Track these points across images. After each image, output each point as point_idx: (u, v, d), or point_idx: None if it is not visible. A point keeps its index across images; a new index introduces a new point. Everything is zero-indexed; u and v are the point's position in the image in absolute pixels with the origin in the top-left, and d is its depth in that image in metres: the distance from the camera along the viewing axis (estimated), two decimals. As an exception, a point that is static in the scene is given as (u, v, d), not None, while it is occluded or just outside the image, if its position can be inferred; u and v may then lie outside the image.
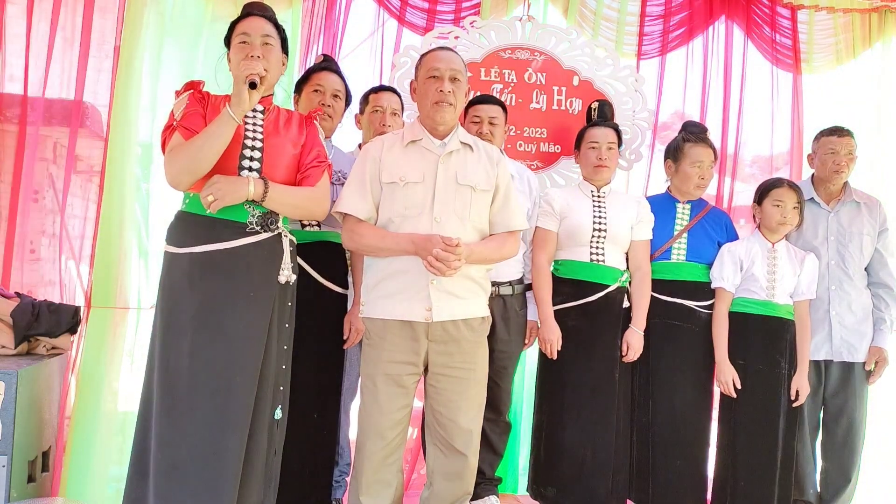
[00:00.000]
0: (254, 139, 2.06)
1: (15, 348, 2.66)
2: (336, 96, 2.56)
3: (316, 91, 2.53)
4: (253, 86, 1.90)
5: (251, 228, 2.00)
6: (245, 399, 1.94)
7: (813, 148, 3.01)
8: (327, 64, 2.63)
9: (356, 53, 3.33)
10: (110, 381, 2.92)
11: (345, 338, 2.49)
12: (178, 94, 2.09)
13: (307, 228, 2.43)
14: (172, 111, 2.05)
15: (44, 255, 3.00)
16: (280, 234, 2.06)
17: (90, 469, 2.80)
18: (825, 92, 3.65)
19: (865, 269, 2.94)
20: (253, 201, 1.99)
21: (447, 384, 2.15)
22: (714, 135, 3.41)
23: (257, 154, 2.04)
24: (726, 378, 2.71)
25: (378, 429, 2.12)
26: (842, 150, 2.89)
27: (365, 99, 2.80)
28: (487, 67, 3.20)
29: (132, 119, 2.96)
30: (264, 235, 2.02)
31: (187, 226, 2.02)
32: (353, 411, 2.72)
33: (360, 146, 2.85)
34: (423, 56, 2.25)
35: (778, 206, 2.74)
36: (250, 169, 2.02)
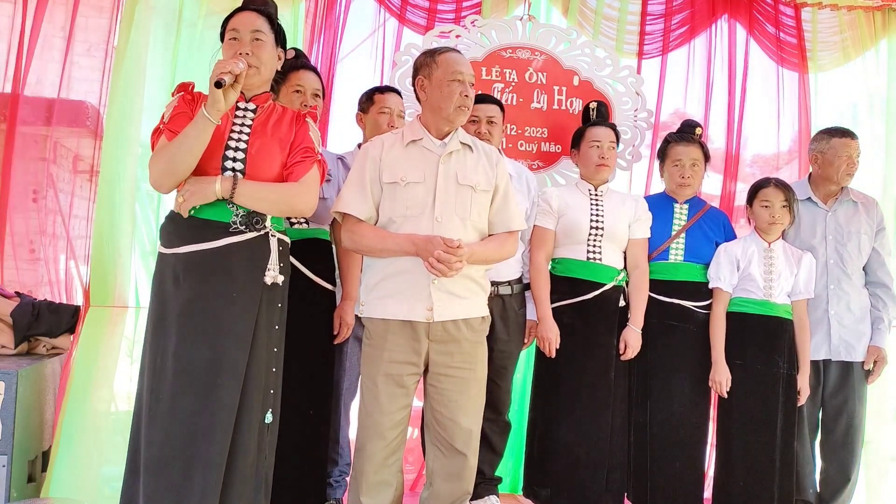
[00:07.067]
0: (238, 140, 2.01)
1: (15, 348, 2.67)
2: (316, 95, 2.53)
3: (297, 91, 2.48)
4: (218, 85, 1.82)
5: (235, 228, 1.97)
6: (229, 400, 1.91)
7: (817, 147, 2.95)
8: (304, 62, 2.58)
9: (356, 52, 3.33)
10: (107, 380, 2.91)
11: (335, 332, 2.50)
12: (174, 95, 2.06)
13: (295, 226, 2.44)
14: (163, 113, 2.02)
15: (43, 254, 2.99)
16: (267, 233, 2.02)
17: (88, 469, 2.78)
18: (832, 90, 3.62)
19: (863, 268, 2.93)
20: (228, 199, 1.95)
21: (448, 384, 2.15)
22: (717, 135, 3.41)
23: (240, 155, 1.99)
24: (720, 378, 2.70)
25: (379, 429, 2.11)
26: (854, 153, 2.88)
27: (370, 99, 2.75)
28: (488, 67, 3.19)
29: (128, 118, 2.94)
30: (249, 235, 1.98)
31: (175, 226, 2.00)
32: (354, 411, 2.72)
33: (359, 146, 2.85)
34: (437, 55, 2.18)
35: (766, 206, 2.74)
36: (233, 170, 1.97)
